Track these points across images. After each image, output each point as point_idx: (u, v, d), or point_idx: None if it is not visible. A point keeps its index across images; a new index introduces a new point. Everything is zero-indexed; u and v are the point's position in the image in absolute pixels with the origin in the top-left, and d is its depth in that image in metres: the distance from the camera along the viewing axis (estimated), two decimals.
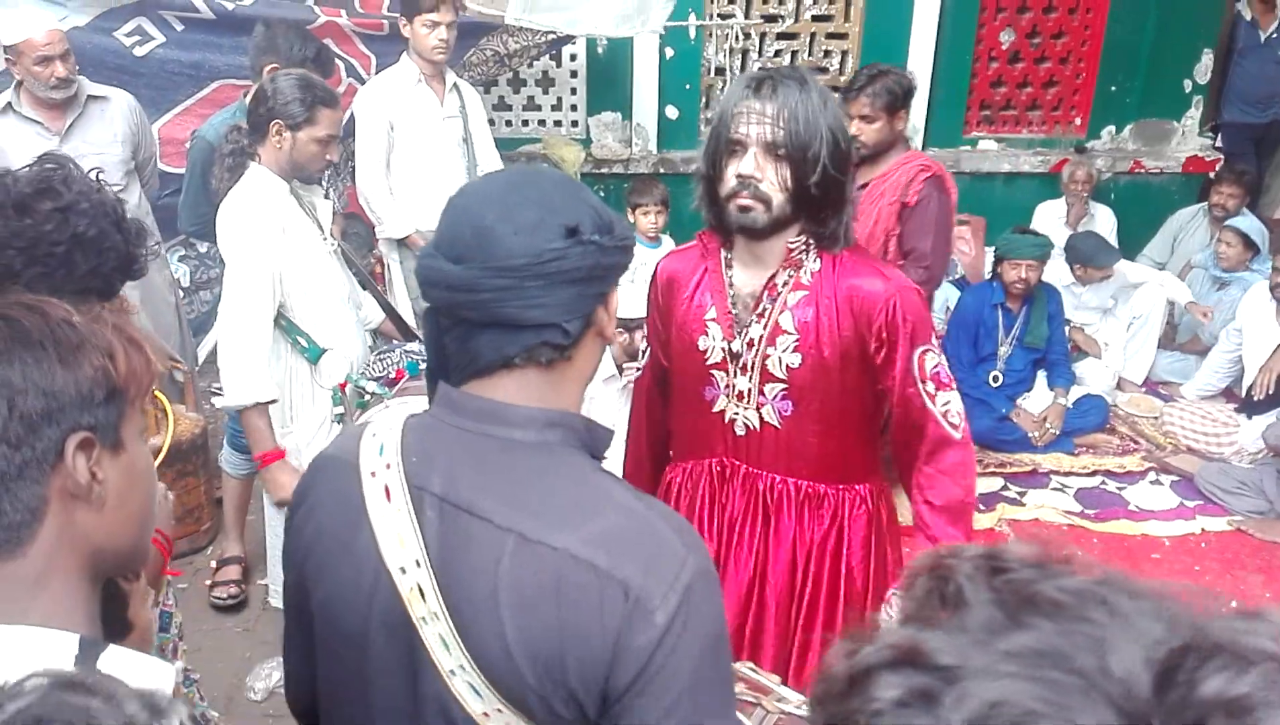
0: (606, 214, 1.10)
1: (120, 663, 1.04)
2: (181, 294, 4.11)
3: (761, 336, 1.84)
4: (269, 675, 2.91)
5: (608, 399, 3.96)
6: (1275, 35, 6.01)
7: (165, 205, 3.95)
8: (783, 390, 1.86)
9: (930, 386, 1.77)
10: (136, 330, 1.05)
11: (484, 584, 1.01)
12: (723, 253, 1.89)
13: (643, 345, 2.10)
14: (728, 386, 1.89)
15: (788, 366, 1.83)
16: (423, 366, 2.58)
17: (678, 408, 2.02)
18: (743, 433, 1.92)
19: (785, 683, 1.79)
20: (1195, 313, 5.04)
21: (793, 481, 1.94)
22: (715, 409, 1.92)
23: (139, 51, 3.94)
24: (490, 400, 1.08)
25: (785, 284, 1.83)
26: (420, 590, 1.02)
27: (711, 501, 2.01)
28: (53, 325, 0.94)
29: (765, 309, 1.84)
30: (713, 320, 1.88)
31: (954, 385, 1.84)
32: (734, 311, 1.87)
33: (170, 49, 4.02)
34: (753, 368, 1.86)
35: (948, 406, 1.79)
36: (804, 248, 1.82)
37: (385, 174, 3.89)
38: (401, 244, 3.97)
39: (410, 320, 3.22)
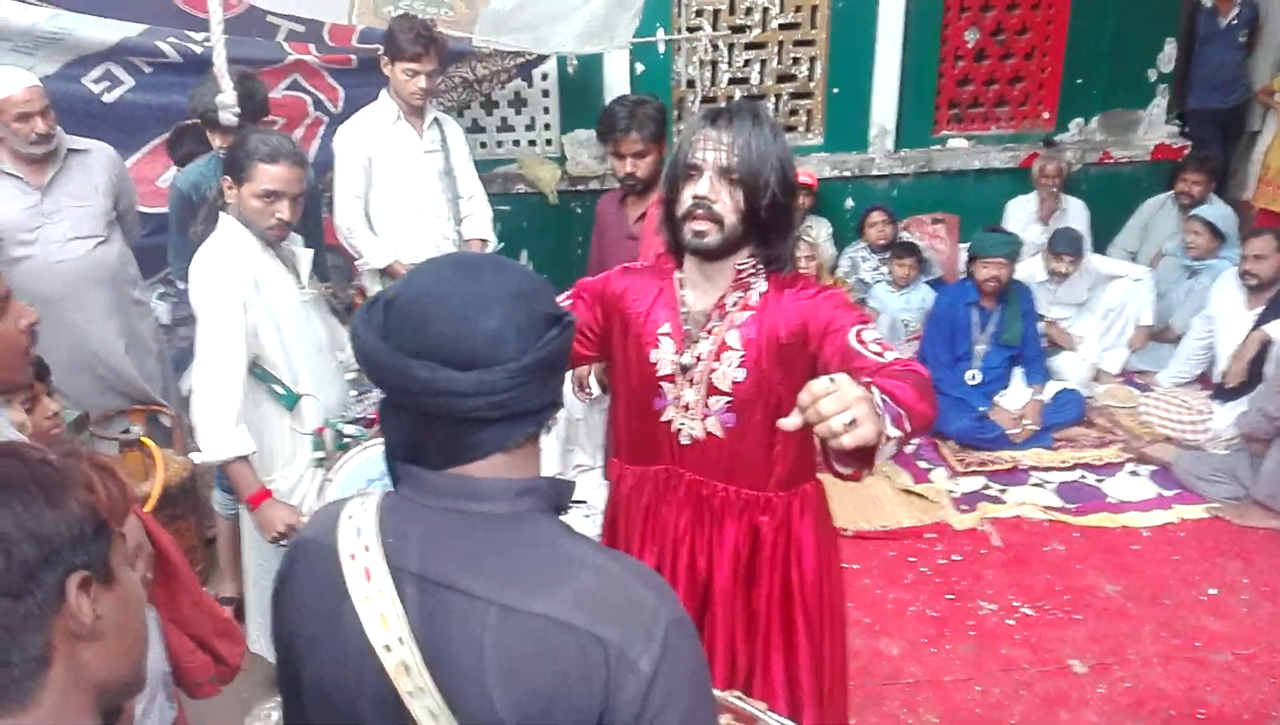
0: (548, 286, 1.17)
1: None
2: (164, 334, 4.15)
3: (710, 352, 1.94)
4: (268, 716, 2.92)
5: (592, 422, 4.01)
6: (1235, 21, 6.09)
7: (140, 246, 3.98)
8: (727, 403, 1.95)
9: (875, 348, 1.80)
10: (105, 456, 1.08)
11: (469, 657, 1.05)
12: (676, 273, 1.99)
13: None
14: (675, 398, 1.98)
15: (733, 381, 1.93)
16: None
17: (625, 413, 2.11)
18: (688, 442, 2.00)
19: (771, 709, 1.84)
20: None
21: (734, 489, 2.03)
22: (663, 419, 2.01)
23: (107, 98, 3.96)
24: (461, 477, 1.12)
25: (734, 304, 1.94)
26: (405, 666, 1.06)
27: (655, 509, 2.10)
28: (33, 466, 0.95)
29: (714, 326, 1.94)
30: (665, 335, 1.97)
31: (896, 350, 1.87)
32: (686, 327, 1.96)
33: (139, 92, 4.04)
34: (700, 381, 1.95)
35: (898, 357, 1.81)
36: (752, 271, 1.93)
37: (362, 207, 3.95)
38: (384, 276, 4.01)
39: None
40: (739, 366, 1.92)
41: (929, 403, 1.66)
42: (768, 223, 1.87)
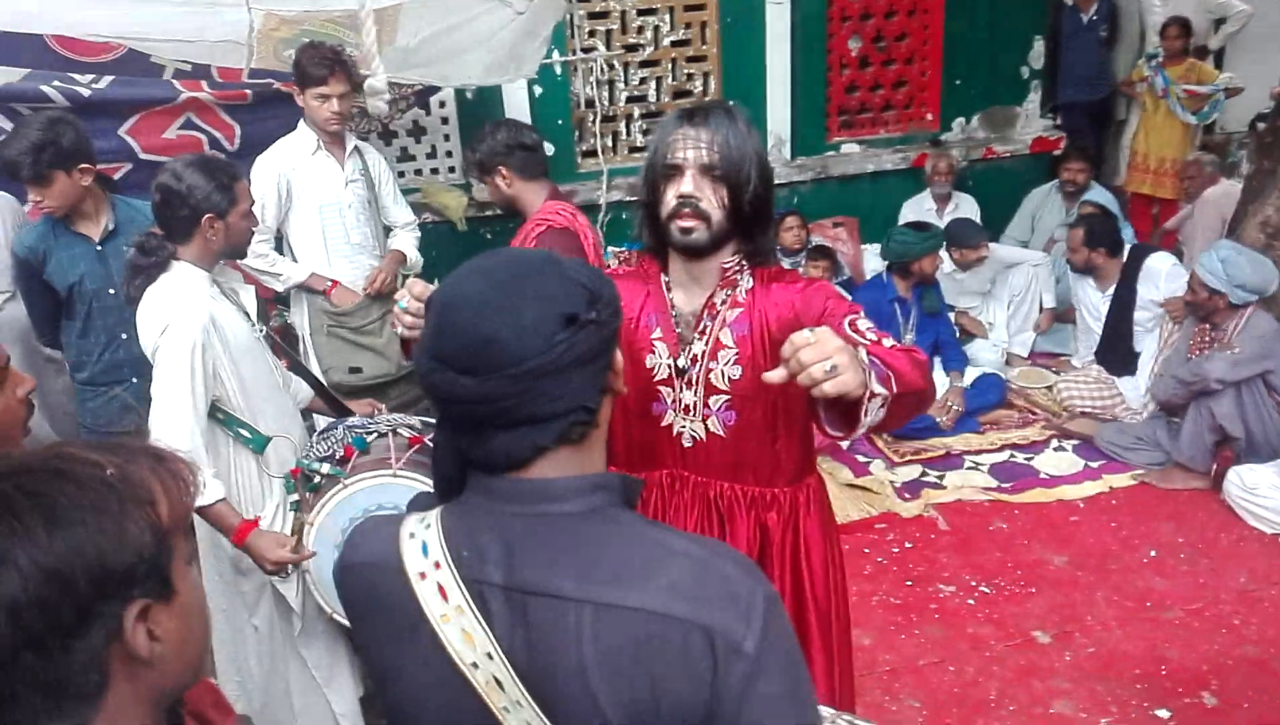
0: (593, 281, 1.10)
1: None
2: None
3: (704, 352, 1.93)
4: None
5: None
6: (1095, 18, 6.44)
7: None
8: (726, 401, 1.94)
9: (871, 336, 1.79)
10: (162, 447, 0.98)
11: (569, 660, 1.02)
12: (662, 276, 1.98)
13: None
14: (674, 401, 1.97)
15: (730, 378, 1.93)
16: (369, 440, 2.52)
17: (623, 422, 2.07)
18: (690, 444, 2.00)
19: None
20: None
21: (741, 487, 2.02)
22: (663, 423, 2.00)
23: None
24: (532, 480, 1.09)
25: (724, 302, 1.93)
26: (498, 681, 1.03)
27: (663, 514, 2.08)
28: (87, 487, 0.85)
29: (706, 326, 1.93)
30: (658, 339, 1.95)
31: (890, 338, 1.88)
32: (678, 330, 1.95)
33: None
34: (697, 382, 1.94)
35: (896, 344, 1.81)
36: (738, 267, 1.93)
37: (272, 238, 3.82)
38: (313, 312, 3.86)
39: None
40: (734, 363, 1.92)
41: (922, 374, 1.68)
42: (751, 217, 1.87)
